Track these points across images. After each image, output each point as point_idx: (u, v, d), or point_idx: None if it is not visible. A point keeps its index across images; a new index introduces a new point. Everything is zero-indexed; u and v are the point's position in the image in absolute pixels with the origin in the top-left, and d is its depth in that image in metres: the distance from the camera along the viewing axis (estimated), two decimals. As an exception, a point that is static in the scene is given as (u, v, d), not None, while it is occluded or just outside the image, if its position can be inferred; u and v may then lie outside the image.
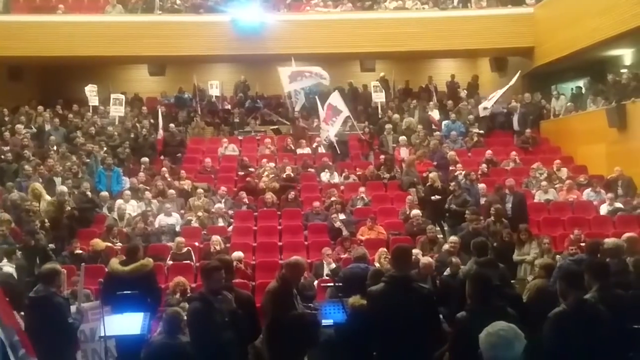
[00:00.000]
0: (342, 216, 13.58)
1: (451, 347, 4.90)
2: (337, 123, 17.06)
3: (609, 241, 7.51)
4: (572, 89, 19.66)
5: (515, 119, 18.78)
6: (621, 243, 7.59)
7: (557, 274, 6.63)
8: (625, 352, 4.94)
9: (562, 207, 14.29)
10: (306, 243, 13.11)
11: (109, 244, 12.02)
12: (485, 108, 18.52)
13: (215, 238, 11.87)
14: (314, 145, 18.05)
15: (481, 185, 14.39)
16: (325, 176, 16.08)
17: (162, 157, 16.99)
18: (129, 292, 6.92)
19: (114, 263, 7.96)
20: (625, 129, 15.43)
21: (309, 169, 16.50)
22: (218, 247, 11.48)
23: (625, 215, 13.53)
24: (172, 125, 18.15)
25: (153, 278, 7.87)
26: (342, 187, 15.57)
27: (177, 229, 13.27)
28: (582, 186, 15.03)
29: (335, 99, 17.33)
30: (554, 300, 5.26)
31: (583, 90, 18.63)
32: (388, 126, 17.94)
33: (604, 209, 13.90)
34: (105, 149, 16.30)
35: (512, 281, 9.21)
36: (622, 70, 17.10)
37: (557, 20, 18.78)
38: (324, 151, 17.39)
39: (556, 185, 15.04)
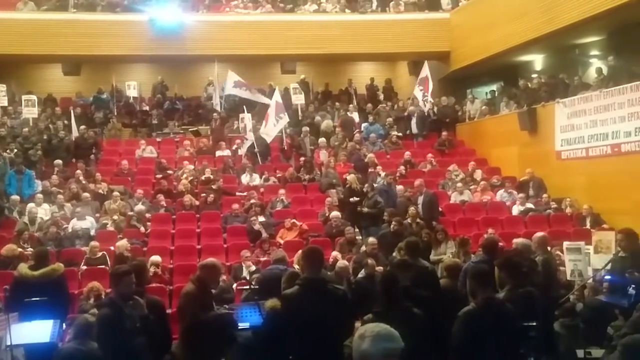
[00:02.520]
0: (261, 218, 13.54)
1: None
2: (279, 125, 17.06)
3: (518, 241, 7.76)
4: (486, 93, 20.23)
5: (413, 122, 19.14)
6: (528, 243, 7.87)
7: (463, 275, 6.80)
8: (516, 348, 5.12)
9: (476, 207, 14.71)
10: (225, 246, 13.01)
11: (21, 250, 11.59)
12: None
13: (122, 243, 11.46)
14: (234, 147, 17.93)
15: (400, 187, 14.60)
16: (245, 178, 16.00)
17: (73, 160, 16.52)
18: (38, 299, 6.70)
19: (23, 268, 7.71)
20: (535, 132, 16.01)
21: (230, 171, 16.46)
22: (126, 253, 11.08)
23: (536, 215, 14.06)
24: (82, 127, 17.66)
25: (64, 283, 7.67)
26: (262, 189, 15.52)
27: (92, 233, 12.92)
28: (496, 187, 15.50)
29: (279, 96, 17.47)
30: (458, 299, 5.40)
31: (496, 94, 19.18)
32: (305, 129, 18.00)
33: (515, 210, 14.37)
34: (15, 151, 15.69)
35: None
36: (533, 76, 17.71)
37: (471, 26, 19.27)
38: (243, 153, 17.26)
39: (471, 187, 15.45)
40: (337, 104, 20.57)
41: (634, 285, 6.94)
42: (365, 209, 13.48)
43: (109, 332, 5.51)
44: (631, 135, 13.07)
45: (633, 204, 12.57)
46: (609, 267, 8.54)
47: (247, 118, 17.55)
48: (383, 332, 2.88)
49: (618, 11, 13.76)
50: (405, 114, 19.47)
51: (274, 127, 17.03)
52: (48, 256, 7.89)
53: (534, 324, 5.33)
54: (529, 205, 14.45)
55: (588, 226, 13.11)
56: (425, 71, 18.65)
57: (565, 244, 10.06)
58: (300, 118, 19.15)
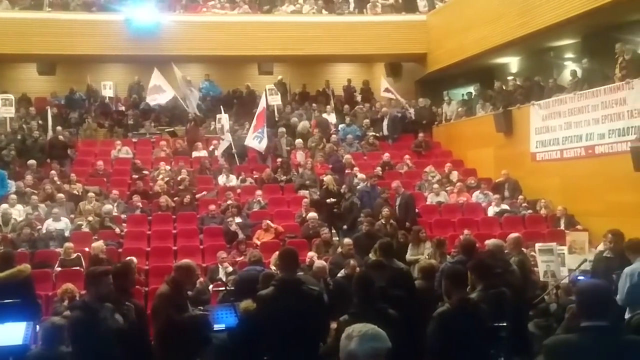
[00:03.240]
0: (238, 219, 13.49)
1: (335, 349, 4.95)
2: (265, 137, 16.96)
3: (490, 242, 7.82)
4: (462, 94, 20.33)
5: (384, 124, 19.20)
6: (500, 243, 7.93)
7: (440, 275, 6.84)
8: (488, 349, 5.17)
9: (452, 209, 14.79)
10: (201, 247, 12.96)
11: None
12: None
13: (97, 244, 11.29)
14: (211, 148, 17.86)
15: (378, 188, 14.61)
16: (222, 179, 15.94)
17: (48, 160, 16.36)
18: (6, 301, 6.61)
19: (-13, 270, 7.62)
20: (511, 134, 16.14)
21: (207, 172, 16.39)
22: (101, 254, 10.87)
23: (511, 216, 14.17)
24: (58, 127, 17.50)
25: (30, 284, 7.58)
26: (238, 190, 15.46)
27: (67, 234, 12.78)
28: (472, 189, 15.59)
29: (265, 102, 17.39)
30: (433, 300, 5.43)
31: (473, 96, 19.30)
32: (281, 130, 17.95)
33: (491, 211, 14.47)
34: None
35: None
36: (509, 78, 17.84)
37: (448, 28, 19.37)
38: (220, 154, 17.18)
39: (447, 188, 15.53)
40: (314, 105, 20.56)
41: (612, 287, 7.00)
42: (345, 227, 13.53)
43: (81, 336, 5.27)
44: (605, 138, 13.21)
45: (606, 206, 12.70)
46: (587, 267, 8.64)
47: (224, 119, 17.47)
48: (370, 332, 2.90)
49: (592, 15, 13.90)
50: (378, 116, 19.53)
51: (264, 137, 16.89)
52: (13, 258, 7.86)
53: (505, 324, 5.37)
54: (504, 206, 14.55)
55: (562, 227, 13.23)
56: (385, 84, 19.33)
57: (538, 245, 10.15)
58: (276, 119, 19.09)
